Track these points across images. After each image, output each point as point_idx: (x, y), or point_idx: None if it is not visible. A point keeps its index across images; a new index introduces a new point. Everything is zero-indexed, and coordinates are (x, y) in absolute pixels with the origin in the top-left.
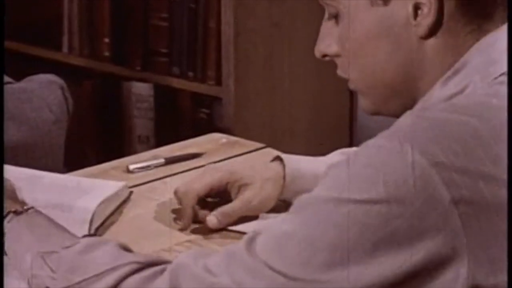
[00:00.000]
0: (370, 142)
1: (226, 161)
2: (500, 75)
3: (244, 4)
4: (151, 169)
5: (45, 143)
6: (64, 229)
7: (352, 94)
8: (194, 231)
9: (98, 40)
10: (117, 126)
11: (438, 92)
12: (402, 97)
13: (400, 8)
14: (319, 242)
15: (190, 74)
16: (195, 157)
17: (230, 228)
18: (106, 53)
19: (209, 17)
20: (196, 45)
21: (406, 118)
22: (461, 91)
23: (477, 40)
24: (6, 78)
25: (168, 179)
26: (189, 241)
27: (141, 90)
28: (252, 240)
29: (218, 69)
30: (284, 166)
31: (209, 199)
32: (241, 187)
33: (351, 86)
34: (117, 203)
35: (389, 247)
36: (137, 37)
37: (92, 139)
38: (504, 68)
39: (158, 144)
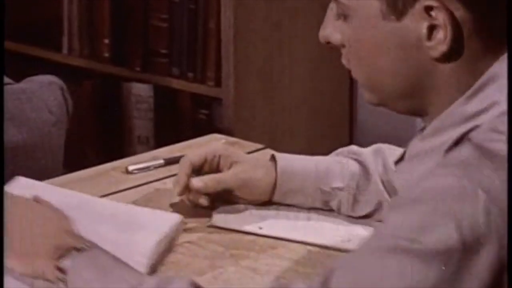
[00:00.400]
0: (436, 176)
1: None
2: None
3: (244, 4)
4: (151, 170)
5: (45, 144)
6: (130, 267)
7: (352, 94)
8: (194, 231)
9: (98, 41)
10: (117, 126)
11: (461, 108)
12: (409, 101)
13: (413, 26)
14: None
15: (190, 75)
16: None
17: (228, 227)
18: (106, 54)
19: (209, 18)
20: (196, 45)
21: (464, 150)
22: (486, 109)
23: (497, 58)
24: (6, 79)
25: (167, 180)
26: (189, 241)
27: (141, 91)
28: (327, 281)
29: (218, 70)
30: (276, 163)
31: None
32: (233, 163)
33: (354, 76)
34: (172, 236)
35: None
36: (137, 37)
37: (92, 139)
38: None
39: (158, 145)
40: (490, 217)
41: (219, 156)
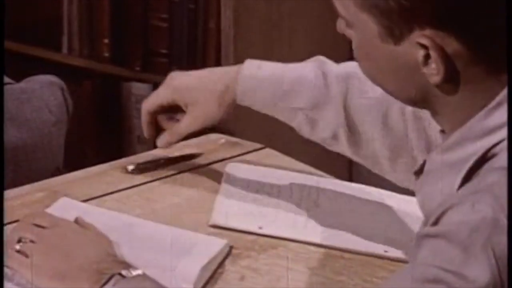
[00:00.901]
0: (469, 204)
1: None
2: None
3: (244, 4)
4: (150, 170)
5: (45, 144)
6: None
7: None
8: (194, 231)
9: (98, 41)
10: (117, 126)
11: (481, 122)
12: (415, 105)
13: (411, 52)
14: None
15: None
16: (193, 158)
17: (228, 226)
18: (106, 54)
19: (209, 18)
20: (196, 45)
21: (490, 174)
22: (505, 124)
23: (500, 79)
24: (6, 79)
25: (168, 179)
26: None
27: (141, 90)
28: None
29: None
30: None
31: None
32: (188, 105)
33: None
34: (219, 261)
35: None
36: (137, 37)
37: (92, 139)
38: None
39: None
40: None
41: (174, 101)
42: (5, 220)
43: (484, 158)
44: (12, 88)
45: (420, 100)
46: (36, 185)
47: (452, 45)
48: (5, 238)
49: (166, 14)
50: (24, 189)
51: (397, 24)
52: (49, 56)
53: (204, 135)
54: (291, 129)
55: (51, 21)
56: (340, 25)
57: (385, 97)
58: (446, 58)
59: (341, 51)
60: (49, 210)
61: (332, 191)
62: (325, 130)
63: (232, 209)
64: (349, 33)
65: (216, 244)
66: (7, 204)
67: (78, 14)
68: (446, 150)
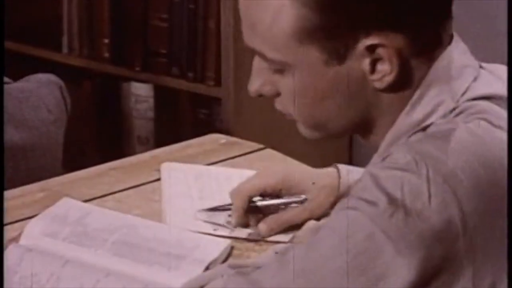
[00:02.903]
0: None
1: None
2: (465, 91)
3: None
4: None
5: (43, 143)
6: None
7: None
8: None
9: (98, 41)
10: (116, 126)
11: (407, 119)
12: (353, 131)
13: (355, 65)
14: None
15: (190, 74)
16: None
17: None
18: (106, 54)
19: (208, 18)
20: (196, 45)
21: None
22: (432, 112)
23: (429, 67)
24: (4, 78)
25: None
26: None
27: (141, 90)
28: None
29: (218, 70)
30: (339, 174)
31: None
32: (296, 193)
33: (297, 119)
34: (221, 261)
35: (407, 253)
36: (137, 37)
37: (92, 139)
38: (466, 83)
39: (158, 145)
40: (430, 189)
41: (280, 190)
42: (5, 220)
43: None
44: (10, 87)
45: (360, 120)
46: (36, 185)
47: (397, 40)
48: (5, 238)
49: (166, 14)
50: (24, 189)
51: (342, 40)
52: (49, 56)
53: (204, 136)
54: (291, 129)
55: (51, 21)
56: (254, 87)
57: None
58: (398, 54)
59: None
60: (50, 210)
61: None
62: None
63: (182, 210)
64: (268, 90)
65: (219, 245)
66: (7, 204)
67: (78, 14)
68: (383, 153)
